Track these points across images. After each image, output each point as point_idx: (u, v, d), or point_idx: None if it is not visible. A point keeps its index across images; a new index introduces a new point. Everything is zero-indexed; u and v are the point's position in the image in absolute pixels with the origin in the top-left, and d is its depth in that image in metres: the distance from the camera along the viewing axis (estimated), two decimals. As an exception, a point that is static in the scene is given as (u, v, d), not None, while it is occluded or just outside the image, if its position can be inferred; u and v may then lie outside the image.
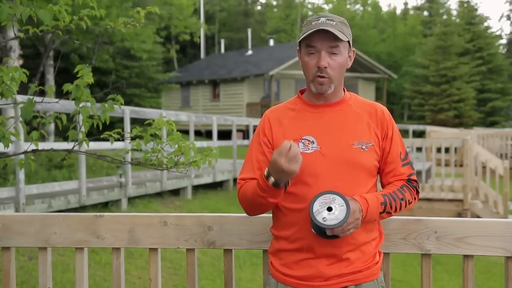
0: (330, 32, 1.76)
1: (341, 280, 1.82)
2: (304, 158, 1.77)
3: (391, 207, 1.83)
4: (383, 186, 1.94)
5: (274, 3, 46.91)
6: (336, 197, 1.70)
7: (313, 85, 1.83)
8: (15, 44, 9.66)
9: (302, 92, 1.96)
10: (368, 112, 1.89)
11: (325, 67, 1.78)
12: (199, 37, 31.23)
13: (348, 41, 1.83)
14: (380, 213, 1.82)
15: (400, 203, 1.85)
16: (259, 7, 46.49)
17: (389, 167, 1.90)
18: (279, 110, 1.95)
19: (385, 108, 1.93)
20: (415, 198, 1.92)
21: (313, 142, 1.83)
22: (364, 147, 1.83)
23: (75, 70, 2.57)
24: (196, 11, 30.26)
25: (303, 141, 1.84)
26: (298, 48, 1.89)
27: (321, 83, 1.81)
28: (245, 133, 20.93)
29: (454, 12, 42.69)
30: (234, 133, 12.33)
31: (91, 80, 2.56)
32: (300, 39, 1.83)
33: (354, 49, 1.90)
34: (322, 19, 1.79)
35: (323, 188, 1.76)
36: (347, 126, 1.85)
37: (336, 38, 1.77)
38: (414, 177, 1.92)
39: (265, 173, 1.75)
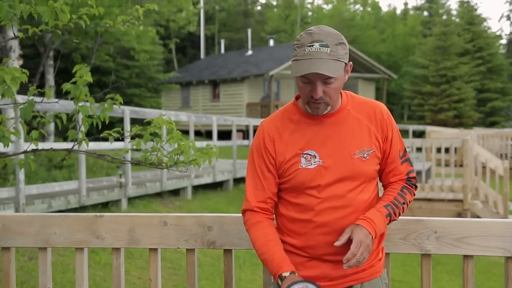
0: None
1: (346, 280, 1.85)
2: (307, 173, 1.80)
3: (395, 215, 1.85)
4: (383, 185, 1.96)
5: (274, 3, 46.90)
6: (309, 285, 1.73)
7: (308, 107, 1.80)
8: (15, 44, 9.65)
9: (297, 97, 1.91)
10: (367, 114, 1.86)
11: (320, 97, 1.74)
12: (199, 35, 31.23)
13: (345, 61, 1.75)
14: (387, 224, 1.84)
15: (402, 207, 1.87)
16: (259, 7, 46.47)
17: (389, 167, 1.91)
18: (278, 123, 1.89)
19: (383, 107, 1.91)
20: (414, 195, 1.94)
21: (315, 156, 1.81)
22: (365, 155, 1.82)
23: (74, 70, 2.56)
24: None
25: (304, 155, 1.81)
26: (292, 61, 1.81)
27: (317, 107, 1.77)
28: (245, 133, 20.93)
29: (454, 12, 42.72)
30: (234, 133, 12.33)
31: (89, 79, 2.55)
32: (293, 71, 1.74)
33: (350, 62, 1.81)
34: (316, 46, 1.68)
35: (328, 197, 1.79)
36: (348, 135, 1.83)
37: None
38: (412, 174, 1.94)
39: (281, 274, 1.76)
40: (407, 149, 1.96)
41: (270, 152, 1.85)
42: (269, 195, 1.86)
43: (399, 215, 1.87)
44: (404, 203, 1.87)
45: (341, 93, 1.87)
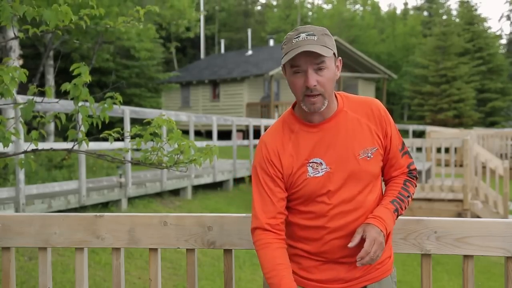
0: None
1: (360, 281, 1.87)
2: (317, 181, 1.79)
3: (401, 209, 1.86)
4: (385, 179, 1.96)
5: (274, 3, 46.90)
6: None
7: (304, 104, 1.76)
8: (15, 44, 9.65)
9: (294, 105, 1.89)
10: (365, 113, 1.86)
11: (315, 85, 1.71)
12: (199, 35, 31.20)
13: (333, 53, 1.76)
14: (395, 219, 1.86)
15: (407, 200, 1.89)
16: (259, 7, 46.47)
17: (391, 162, 1.91)
18: (279, 135, 1.86)
19: (379, 104, 1.90)
20: (415, 185, 1.95)
21: (321, 163, 1.80)
22: (369, 154, 1.82)
23: (71, 69, 2.56)
24: (196, 11, 30.23)
25: (311, 164, 1.80)
26: (282, 65, 1.81)
27: (313, 102, 1.74)
28: (245, 133, 20.93)
29: (454, 12, 42.72)
30: (234, 133, 12.33)
31: (88, 78, 2.55)
32: (284, 61, 1.74)
33: (340, 58, 1.83)
34: (302, 35, 1.71)
35: (339, 203, 1.80)
36: (350, 137, 1.82)
37: (320, 55, 1.70)
38: (413, 166, 1.95)
39: None
40: (408, 149, 1.97)
41: (277, 166, 1.82)
42: (279, 210, 1.82)
43: (405, 208, 1.88)
44: (408, 196, 1.89)
45: (335, 95, 1.86)
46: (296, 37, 1.72)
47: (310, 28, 1.75)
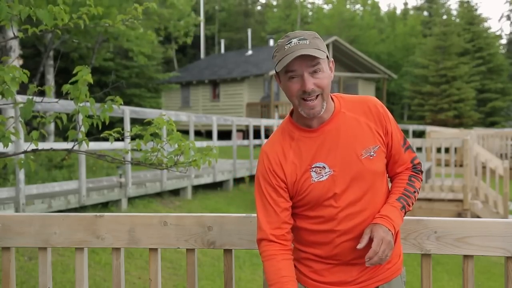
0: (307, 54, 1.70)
1: (372, 281, 1.86)
2: (321, 186, 1.78)
3: (408, 205, 1.85)
4: (390, 176, 1.95)
5: (274, 3, 46.91)
6: None
7: (302, 109, 1.75)
8: (15, 44, 9.65)
9: (291, 113, 1.89)
10: (363, 112, 1.84)
11: (312, 89, 1.71)
12: (199, 35, 31.20)
13: (326, 55, 1.76)
14: (403, 216, 1.84)
15: (414, 196, 1.88)
16: (259, 7, 46.48)
17: (394, 158, 1.90)
18: (279, 144, 1.85)
19: (376, 101, 1.88)
20: (421, 180, 1.94)
21: (324, 167, 1.79)
22: (372, 153, 1.81)
23: (74, 71, 2.56)
24: (196, 11, 30.25)
25: (314, 169, 1.79)
26: (275, 73, 1.81)
27: (312, 107, 1.73)
28: (245, 133, 20.93)
29: (454, 12, 42.71)
30: (234, 133, 12.33)
31: (90, 80, 2.55)
32: (278, 68, 1.74)
33: (332, 59, 1.82)
34: (294, 41, 1.71)
35: (346, 205, 1.79)
36: (350, 138, 1.81)
37: (315, 58, 1.71)
38: (416, 160, 1.94)
39: None
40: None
41: (280, 176, 1.81)
42: (283, 220, 1.81)
43: (412, 204, 1.87)
44: (414, 192, 1.88)
45: (331, 97, 1.85)
46: (288, 43, 1.72)
47: (300, 33, 1.75)
